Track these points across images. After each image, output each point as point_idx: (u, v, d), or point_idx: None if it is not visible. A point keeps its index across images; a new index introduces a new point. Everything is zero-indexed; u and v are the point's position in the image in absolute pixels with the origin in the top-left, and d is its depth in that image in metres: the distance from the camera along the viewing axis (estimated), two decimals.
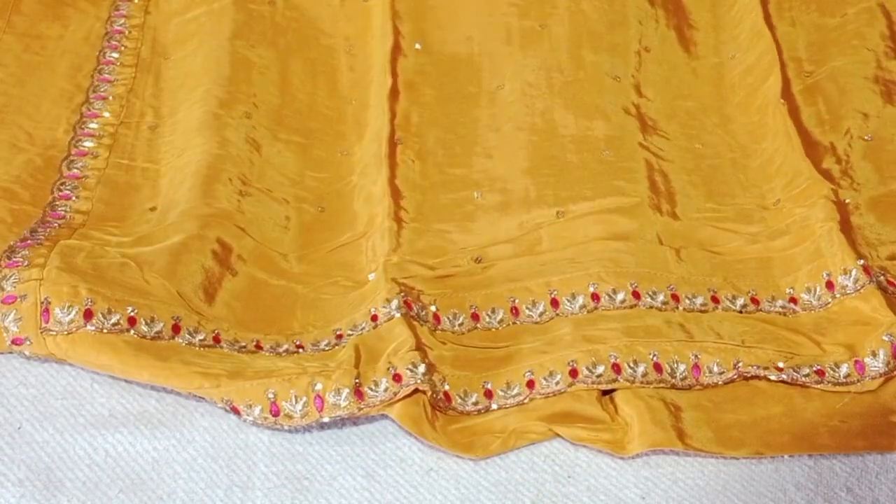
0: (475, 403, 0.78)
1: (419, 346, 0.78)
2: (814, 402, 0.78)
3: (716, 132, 1.03)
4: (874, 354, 0.79)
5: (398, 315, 0.81)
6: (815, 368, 0.79)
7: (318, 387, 0.75)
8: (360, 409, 0.74)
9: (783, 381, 0.78)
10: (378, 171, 0.96)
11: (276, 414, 0.75)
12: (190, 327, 0.80)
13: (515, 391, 0.78)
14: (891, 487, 0.74)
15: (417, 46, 1.09)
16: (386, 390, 0.75)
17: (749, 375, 0.79)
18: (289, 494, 0.73)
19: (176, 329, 0.79)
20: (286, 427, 0.75)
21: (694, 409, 0.78)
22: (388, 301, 0.82)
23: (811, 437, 0.77)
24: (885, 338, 0.79)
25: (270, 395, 0.75)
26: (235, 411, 0.75)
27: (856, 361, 0.79)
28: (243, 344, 0.81)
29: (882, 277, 0.85)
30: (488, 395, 0.78)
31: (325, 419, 0.74)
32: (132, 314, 0.78)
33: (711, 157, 1.00)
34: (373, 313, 0.82)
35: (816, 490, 0.74)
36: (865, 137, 0.99)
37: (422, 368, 0.75)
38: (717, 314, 0.84)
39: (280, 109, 1.04)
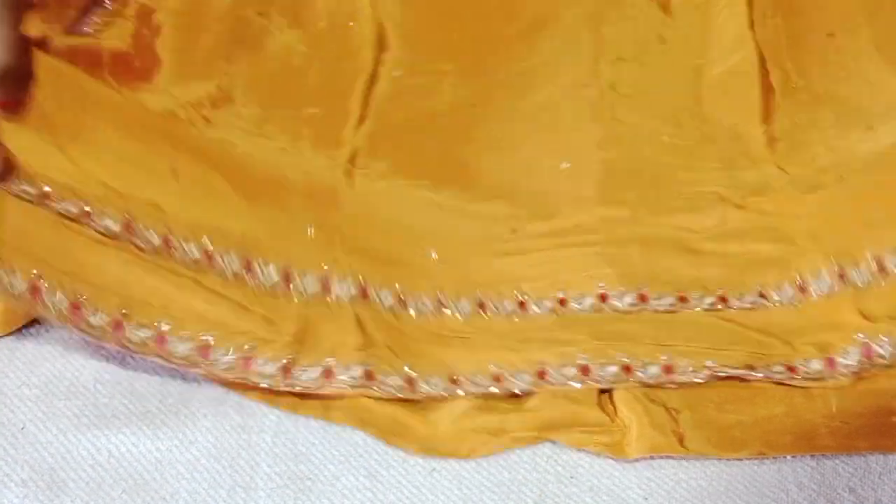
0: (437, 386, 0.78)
1: (366, 345, 0.78)
2: (815, 403, 0.78)
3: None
4: (846, 353, 0.79)
5: (348, 303, 0.79)
6: (786, 365, 0.79)
7: (253, 348, 0.75)
8: (285, 385, 0.75)
9: (758, 380, 0.78)
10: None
11: (205, 356, 0.74)
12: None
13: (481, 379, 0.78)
14: (894, 488, 0.74)
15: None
16: (315, 380, 0.75)
17: (723, 375, 0.79)
18: (291, 495, 0.73)
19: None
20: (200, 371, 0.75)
21: (693, 410, 0.78)
22: (343, 278, 0.80)
23: (813, 437, 0.77)
24: (857, 336, 0.79)
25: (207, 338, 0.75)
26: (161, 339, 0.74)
27: (827, 359, 0.79)
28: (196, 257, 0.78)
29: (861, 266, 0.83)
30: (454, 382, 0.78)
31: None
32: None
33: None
34: (325, 280, 0.80)
35: (819, 490, 0.74)
36: None
37: (356, 371, 0.76)
38: (684, 314, 0.83)
39: None
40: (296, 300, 0.79)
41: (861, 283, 0.83)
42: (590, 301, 0.83)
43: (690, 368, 0.79)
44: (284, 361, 0.75)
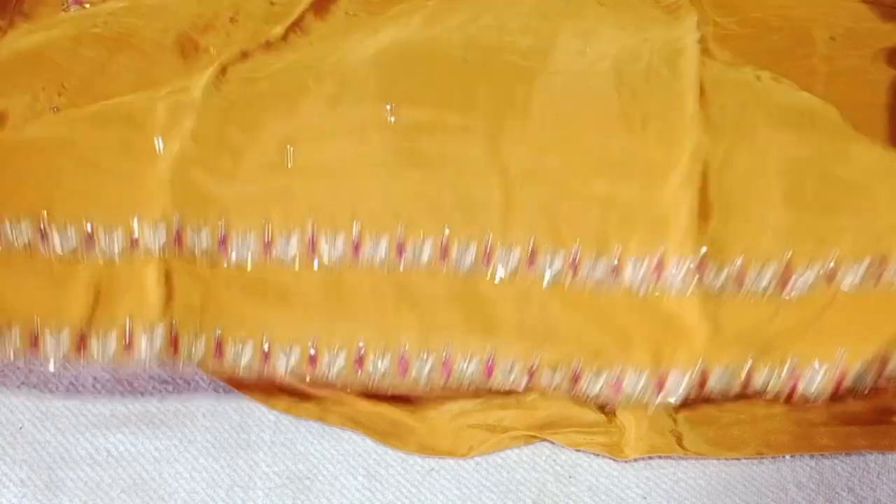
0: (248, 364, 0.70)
1: (168, 302, 0.69)
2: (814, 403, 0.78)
3: None
4: (683, 373, 0.71)
5: (158, 256, 0.69)
6: (609, 383, 0.71)
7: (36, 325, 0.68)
8: (78, 360, 0.69)
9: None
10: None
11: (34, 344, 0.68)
12: None
13: (294, 359, 0.71)
14: (892, 487, 0.74)
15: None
16: (114, 350, 0.68)
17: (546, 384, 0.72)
18: (290, 494, 0.73)
19: None
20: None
21: (692, 410, 0.77)
22: (156, 223, 0.69)
23: (812, 437, 0.76)
24: (699, 363, 0.70)
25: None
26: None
27: (659, 379, 0.71)
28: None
29: (724, 272, 0.71)
30: (265, 356, 0.70)
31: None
32: None
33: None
34: (134, 236, 0.70)
35: (818, 490, 0.74)
36: None
37: (158, 333, 0.68)
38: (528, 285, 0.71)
39: None
40: (100, 261, 0.70)
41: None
42: (428, 253, 0.71)
43: (511, 365, 0.72)
44: (72, 336, 0.68)
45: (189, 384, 0.79)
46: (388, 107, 0.75)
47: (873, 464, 0.76)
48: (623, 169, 0.73)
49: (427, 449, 0.76)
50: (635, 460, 0.75)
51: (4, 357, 0.68)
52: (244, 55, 0.83)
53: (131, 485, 0.73)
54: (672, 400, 0.71)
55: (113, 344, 0.68)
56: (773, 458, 0.76)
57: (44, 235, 0.70)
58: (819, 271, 0.70)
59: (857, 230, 0.71)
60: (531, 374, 0.72)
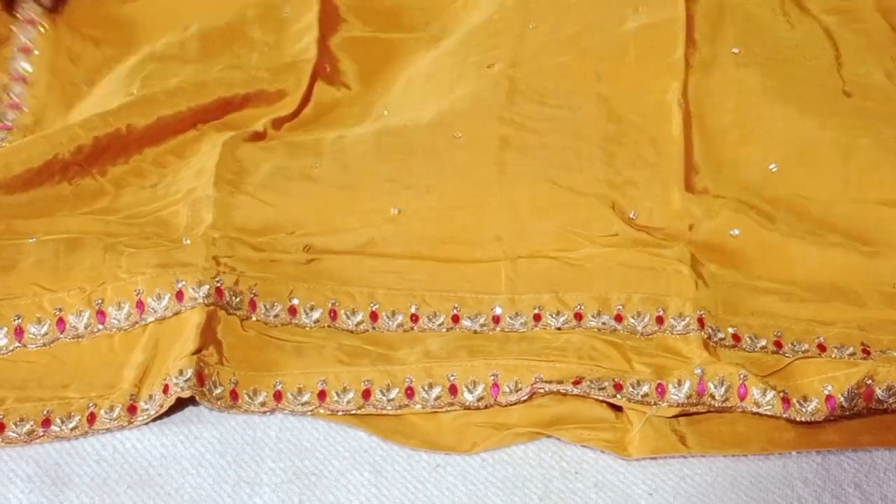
0: (262, 404, 0.77)
1: (202, 348, 0.77)
2: None
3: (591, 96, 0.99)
4: (679, 383, 0.76)
5: (202, 303, 0.79)
6: (614, 382, 0.77)
7: (93, 406, 0.76)
8: (130, 423, 0.76)
9: (581, 395, 0.77)
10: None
11: (46, 425, 0.76)
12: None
13: (305, 398, 0.77)
14: None
15: None
16: (158, 402, 0.76)
17: (544, 392, 0.77)
18: (296, 490, 0.73)
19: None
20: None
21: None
22: (200, 284, 0.80)
23: (817, 433, 0.77)
24: (696, 371, 0.77)
25: (46, 413, 0.76)
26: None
27: (658, 384, 0.77)
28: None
29: (720, 332, 0.81)
30: (277, 397, 0.77)
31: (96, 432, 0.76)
32: None
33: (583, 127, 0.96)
34: (179, 289, 0.80)
35: (824, 486, 0.74)
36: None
37: (188, 374, 0.75)
38: (535, 333, 0.82)
39: None
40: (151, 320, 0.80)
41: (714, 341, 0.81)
42: (441, 319, 0.83)
43: (514, 384, 0.77)
44: (130, 399, 0.77)
45: None
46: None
47: (880, 460, 0.75)
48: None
49: (431, 445, 0.76)
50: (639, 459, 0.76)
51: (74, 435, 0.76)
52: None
53: (137, 481, 0.73)
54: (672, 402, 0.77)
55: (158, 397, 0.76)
56: (779, 454, 0.76)
57: (101, 315, 0.81)
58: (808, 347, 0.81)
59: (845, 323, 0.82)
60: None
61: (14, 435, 0.74)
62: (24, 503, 0.72)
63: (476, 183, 0.91)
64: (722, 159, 0.95)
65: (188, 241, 0.85)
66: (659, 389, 0.77)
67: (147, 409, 0.76)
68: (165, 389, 0.75)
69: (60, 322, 0.80)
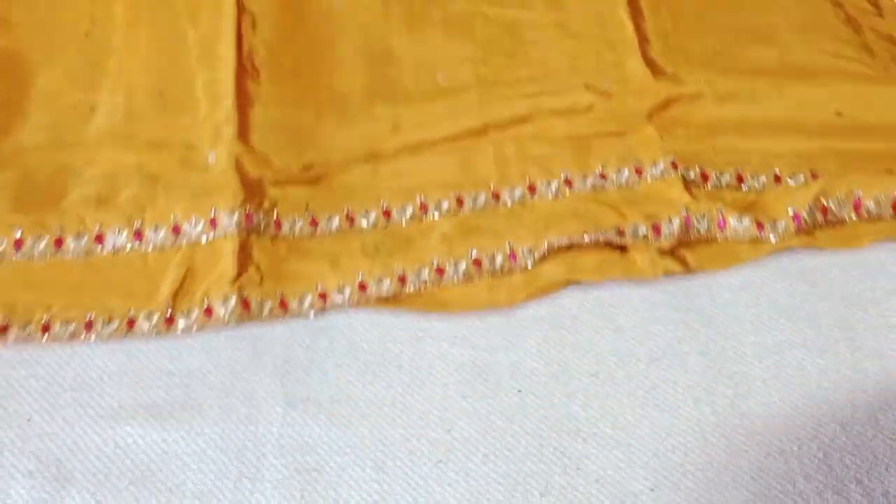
0: (311, 306, 0.85)
1: (241, 272, 0.85)
2: None
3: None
4: (669, 220, 0.89)
5: (235, 231, 0.86)
6: (617, 229, 0.89)
7: (132, 313, 0.83)
8: (167, 331, 0.82)
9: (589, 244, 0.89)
10: (225, 70, 1.01)
11: (88, 328, 0.82)
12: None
13: (347, 293, 0.85)
14: None
15: None
16: (196, 320, 0.83)
17: (556, 247, 0.88)
18: (298, 486, 0.73)
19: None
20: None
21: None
22: (232, 211, 0.87)
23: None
24: (681, 211, 0.90)
25: (89, 317, 0.82)
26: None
27: (653, 224, 0.89)
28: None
29: (691, 172, 0.95)
30: (322, 297, 0.85)
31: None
32: None
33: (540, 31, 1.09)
34: (213, 216, 0.88)
35: (826, 482, 0.74)
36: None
37: (232, 303, 0.83)
38: (534, 203, 0.93)
39: None
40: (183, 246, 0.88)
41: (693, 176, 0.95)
42: (446, 205, 0.92)
43: (528, 250, 0.88)
44: (168, 312, 0.83)
45: (196, 376, 0.79)
46: None
47: (882, 456, 0.76)
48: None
49: (471, 306, 0.86)
50: (642, 452, 0.76)
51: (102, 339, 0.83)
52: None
53: (139, 476, 0.74)
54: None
55: (195, 314, 0.83)
56: (781, 450, 0.76)
57: (138, 234, 0.88)
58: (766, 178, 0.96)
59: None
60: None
61: (59, 334, 0.81)
62: (26, 499, 0.72)
63: (461, 102, 1.02)
64: (674, 32, 1.10)
65: (213, 156, 0.93)
66: (654, 229, 0.89)
67: (184, 324, 0.82)
68: (208, 312, 0.83)
69: (99, 237, 0.87)
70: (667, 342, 0.83)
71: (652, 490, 0.74)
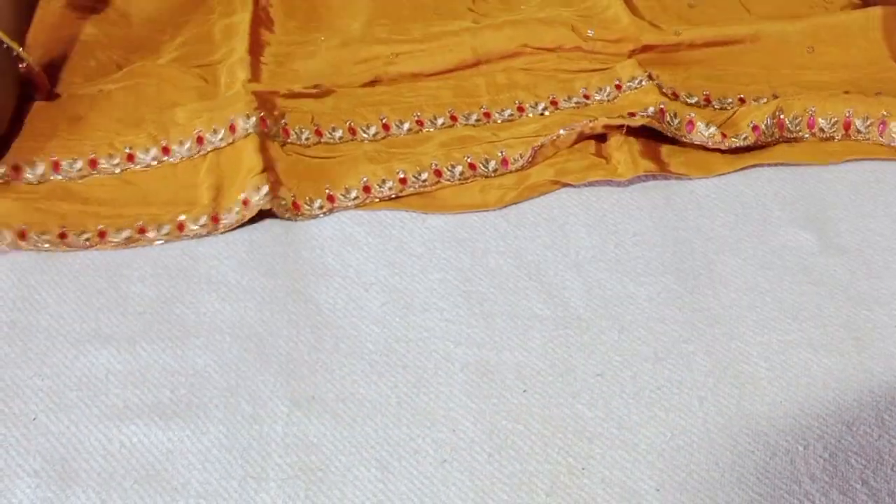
0: (320, 207, 0.93)
1: (266, 168, 0.92)
2: None
3: None
4: (645, 109, 0.99)
5: (253, 132, 0.95)
6: (603, 124, 0.97)
7: (182, 217, 0.91)
8: (215, 230, 0.90)
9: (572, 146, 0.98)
10: (243, 7, 1.13)
11: (142, 232, 0.90)
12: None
13: (353, 194, 0.93)
14: None
15: None
16: (238, 213, 0.90)
17: (544, 144, 0.96)
18: (303, 486, 0.73)
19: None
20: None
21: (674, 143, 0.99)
22: (248, 116, 0.96)
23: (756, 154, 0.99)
24: (659, 103, 1.00)
25: (140, 224, 0.90)
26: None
27: (629, 113, 0.99)
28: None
29: (665, 89, 1.03)
30: (330, 199, 0.93)
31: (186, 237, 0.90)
32: None
33: None
34: (231, 122, 0.96)
35: (832, 482, 0.74)
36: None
37: (264, 190, 0.90)
38: (522, 120, 1.02)
39: None
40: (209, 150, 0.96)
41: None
42: (441, 120, 1.01)
43: (519, 155, 0.96)
44: (212, 212, 0.91)
45: (202, 375, 0.79)
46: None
47: (888, 456, 0.75)
48: None
49: (464, 207, 0.94)
50: (648, 451, 0.75)
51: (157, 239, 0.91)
52: None
53: (144, 476, 0.74)
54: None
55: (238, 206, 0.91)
56: (786, 450, 0.76)
57: (166, 150, 0.97)
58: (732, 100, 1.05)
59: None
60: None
61: (115, 241, 0.89)
62: (31, 498, 0.72)
63: (455, 34, 1.11)
64: None
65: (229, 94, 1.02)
66: (631, 116, 0.98)
67: (228, 220, 0.90)
68: (246, 203, 0.90)
69: (130, 157, 0.96)
70: (672, 342, 0.83)
71: (657, 490, 0.74)
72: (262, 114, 0.97)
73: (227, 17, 1.13)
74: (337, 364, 0.81)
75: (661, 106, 0.99)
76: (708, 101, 1.03)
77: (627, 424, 0.77)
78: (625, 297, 0.86)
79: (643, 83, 1.02)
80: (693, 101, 1.03)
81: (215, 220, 0.90)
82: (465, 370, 0.81)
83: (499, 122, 1.01)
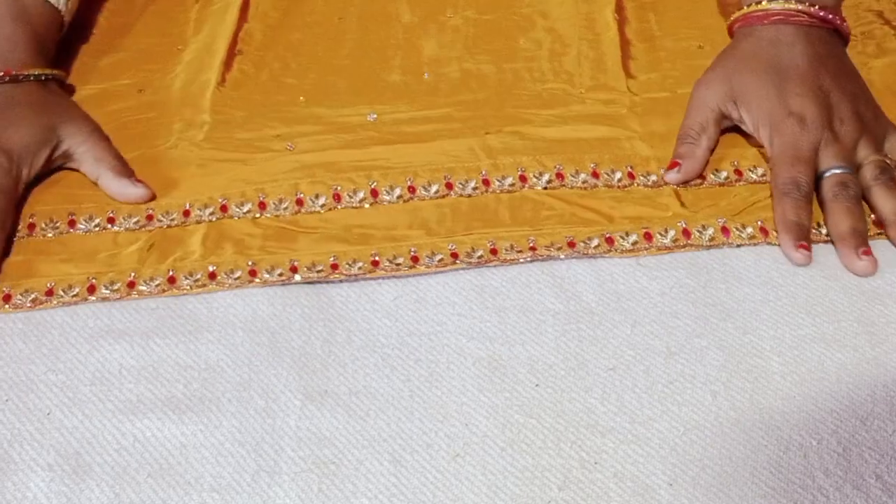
0: (280, 275, 0.86)
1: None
2: None
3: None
4: (665, 232, 0.88)
5: (206, 220, 0.90)
6: (605, 236, 0.87)
7: (93, 279, 0.86)
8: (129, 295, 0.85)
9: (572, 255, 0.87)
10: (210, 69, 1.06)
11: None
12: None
13: (319, 268, 0.86)
14: None
15: None
16: (158, 286, 0.86)
17: (544, 257, 0.87)
18: (315, 479, 0.73)
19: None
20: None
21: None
22: (206, 206, 0.91)
23: None
24: (679, 223, 0.89)
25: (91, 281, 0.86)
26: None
27: (645, 232, 0.88)
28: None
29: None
30: (293, 269, 0.86)
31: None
32: None
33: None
34: (186, 208, 0.91)
35: (845, 477, 0.74)
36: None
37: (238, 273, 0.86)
38: (523, 192, 0.92)
39: None
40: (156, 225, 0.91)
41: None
42: (435, 188, 0.93)
43: (512, 247, 0.87)
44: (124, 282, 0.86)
45: (214, 370, 0.80)
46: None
47: None
48: None
49: None
50: (661, 447, 0.75)
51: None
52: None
53: (157, 470, 0.74)
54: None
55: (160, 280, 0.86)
56: (800, 445, 0.75)
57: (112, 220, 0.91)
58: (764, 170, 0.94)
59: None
60: None
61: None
62: (45, 491, 0.72)
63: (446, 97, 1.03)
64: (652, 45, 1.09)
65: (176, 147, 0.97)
66: (646, 237, 0.88)
67: (144, 289, 0.86)
68: (212, 276, 0.86)
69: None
70: (685, 336, 0.83)
71: (670, 485, 0.73)
72: (223, 200, 0.92)
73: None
74: (350, 358, 0.81)
75: (685, 227, 0.89)
76: (739, 174, 0.94)
77: (640, 419, 0.77)
78: (637, 292, 0.86)
79: (660, 184, 0.93)
80: (723, 175, 0.94)
81: (131, 285, 0.86)
82: (477, 364, 0.81)
83: (498, 192, 0.92)
